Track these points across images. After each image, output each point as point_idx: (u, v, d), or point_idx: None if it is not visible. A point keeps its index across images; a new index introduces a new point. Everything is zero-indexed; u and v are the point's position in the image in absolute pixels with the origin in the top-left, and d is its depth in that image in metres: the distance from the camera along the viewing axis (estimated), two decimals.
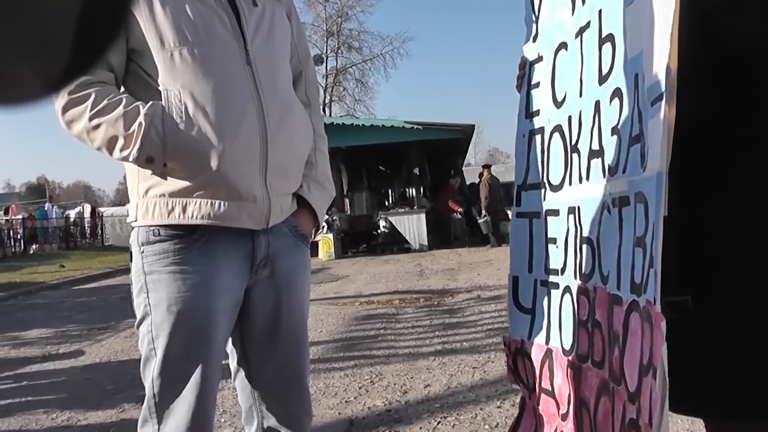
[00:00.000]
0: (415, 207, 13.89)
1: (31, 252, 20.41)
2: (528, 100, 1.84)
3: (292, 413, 1.67)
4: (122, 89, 1.50)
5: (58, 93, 1.33)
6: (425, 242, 13.75)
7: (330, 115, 23.33)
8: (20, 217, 22.52)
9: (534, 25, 1.83)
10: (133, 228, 1.53)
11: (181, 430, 1.46)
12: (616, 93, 1.32)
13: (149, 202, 1.47)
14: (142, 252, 1.49)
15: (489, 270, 9.56)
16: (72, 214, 25.77)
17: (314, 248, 12.77)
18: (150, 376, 1.48)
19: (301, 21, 1.84)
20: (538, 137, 1.77)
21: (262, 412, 1.66)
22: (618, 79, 1.31)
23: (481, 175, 15.28)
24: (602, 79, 1.40)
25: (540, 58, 1.78)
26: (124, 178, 1.58)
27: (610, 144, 1.34)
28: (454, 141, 15.25)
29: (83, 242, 23.94)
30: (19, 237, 20.59)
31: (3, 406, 4.01)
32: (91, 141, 1.42)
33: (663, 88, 1.04)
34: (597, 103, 1.42)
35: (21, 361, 5.31)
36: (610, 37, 1.36)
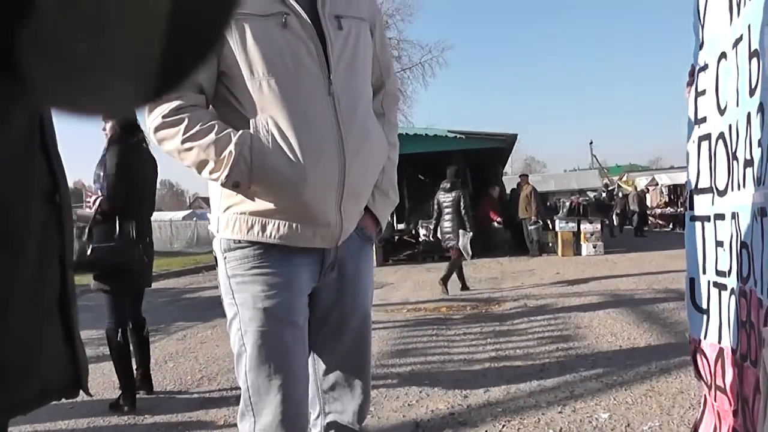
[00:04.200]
0: None
1: None
2: (696, 107, 2.00)
3: (353, 403, 1.76)
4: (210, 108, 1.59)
5: (147, 108, 1.48)
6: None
7: None
8: None
9: (701, 33, 1.97)
10: (214, 237, 1.67)
11: (277, 420, 1.57)
12: (761, 108, 1.49)
13: (230, 217, 1.59)
14: (225, 258, 1.62)
15: (532, 279, 9.58)
16: None
17: None
18: (243, 371, 1.60)
19: None
20: (705, 143, 1.94)
21: (325, 399, 1.77)
22: (763, 94, 1.49)
23: (519, 184, 15.32)
24: (752, 92, 1.58)
25: (705, 66, 1.95)
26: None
27: (757, 155, 1.53)
28: (496, 150, 15.19)
29: None
30: None
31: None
32: (181, 159, 1.53)
33: None
34: (748, 115, 1.59)
35: None
36: (756, 53, 1.54)
